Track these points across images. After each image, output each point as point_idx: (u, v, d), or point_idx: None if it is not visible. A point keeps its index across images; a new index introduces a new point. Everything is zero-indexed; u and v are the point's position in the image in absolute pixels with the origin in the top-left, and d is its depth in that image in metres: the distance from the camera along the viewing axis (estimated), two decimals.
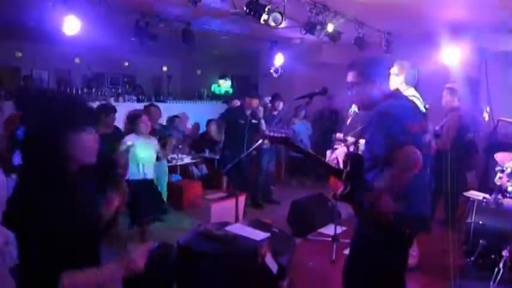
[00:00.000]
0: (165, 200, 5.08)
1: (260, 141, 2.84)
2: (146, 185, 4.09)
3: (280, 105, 6.12)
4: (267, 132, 2.27)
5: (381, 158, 1.98)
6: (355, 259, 2.21)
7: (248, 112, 5.49)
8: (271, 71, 7.48)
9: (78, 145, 1.37)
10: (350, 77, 2.20)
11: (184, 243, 2.55)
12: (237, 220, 3.20)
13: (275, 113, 6.14)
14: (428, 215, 2.18)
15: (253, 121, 5.53)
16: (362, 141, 4.20)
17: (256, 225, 3.50)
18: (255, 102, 5.52)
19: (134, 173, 4.03)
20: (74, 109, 1.41)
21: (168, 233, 4.59)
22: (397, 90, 2.26)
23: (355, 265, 2.19)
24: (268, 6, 3.99)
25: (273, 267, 2.60)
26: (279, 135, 2.23)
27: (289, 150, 2.18)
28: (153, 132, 4.90)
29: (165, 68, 10.77)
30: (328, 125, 7.42)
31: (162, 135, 5.20)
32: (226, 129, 5.73)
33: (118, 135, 4.42)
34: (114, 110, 4.53)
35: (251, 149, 3.14)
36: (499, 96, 6.22)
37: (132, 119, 4.10)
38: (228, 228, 2.74)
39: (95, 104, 4.84)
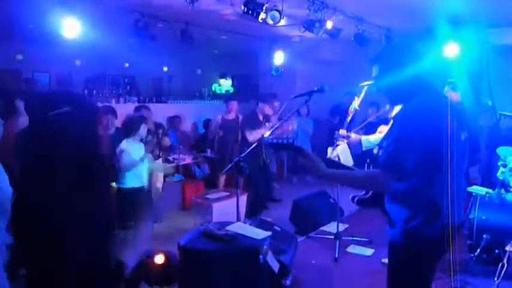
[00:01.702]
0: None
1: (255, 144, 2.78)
2: (142, 192, 3.99)
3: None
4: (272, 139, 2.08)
5: (407, 170, 1.77)
6: (391, 270, 2.05)
7: (261, 118, 5.37)
8: (272, 71, 7.48)
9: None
10: (375, 71, 2.00)
11: (185, 243, 2.55)
12: (238, 219, 3.19)
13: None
14: (462, 222, 2.02)
15: (267, 125, 5.47)
16: (365, 137, 4.19)
17: (258, 224, 3.50)
18: (267, 108, 5.37)
19: (131, 180, 3.90)
20: (89, 108, 1.47)
21: (169, 233, 4.61)
22: (427, 82, 1.97)
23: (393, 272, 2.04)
24: (266, 5, 3.98)
25: (275, 266, 2.60)
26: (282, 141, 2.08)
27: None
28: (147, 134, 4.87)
29: (165, 68, 10.77)
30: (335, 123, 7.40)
31: (155, 135, 5.19)
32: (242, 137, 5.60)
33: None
34: (107, 110, 4.43)
35: (247, 151, 3.11)
36: (501, 90, 6.19)
37: (135, 124, 3.94)
38: (229, 227, 2.74)
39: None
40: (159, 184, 5.22)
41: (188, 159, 6.60)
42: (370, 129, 4.40)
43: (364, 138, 4.13)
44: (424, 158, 1.76)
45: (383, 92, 2.00)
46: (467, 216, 3.82)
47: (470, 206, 3.86)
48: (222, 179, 6.22)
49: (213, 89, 10.79)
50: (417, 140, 1.75)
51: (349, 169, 2.70)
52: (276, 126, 3.19)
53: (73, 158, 1.29)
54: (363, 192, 2.23)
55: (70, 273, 1.27)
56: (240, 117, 6.06)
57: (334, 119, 7.43)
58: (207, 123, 7.89)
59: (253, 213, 5.05)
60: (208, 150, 7.13)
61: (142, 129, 3.96)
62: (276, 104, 5.72)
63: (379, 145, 2.25)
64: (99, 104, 5.14)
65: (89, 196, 1.29)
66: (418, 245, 1.86)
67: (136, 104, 6.73)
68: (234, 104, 6.15)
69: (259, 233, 2.69)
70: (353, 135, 3.92)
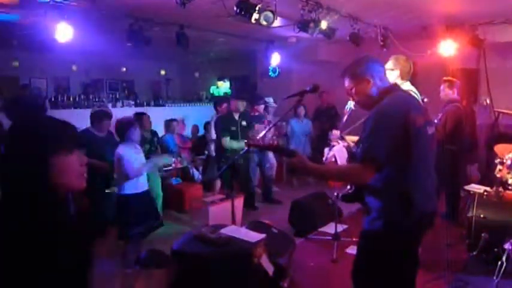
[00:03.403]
0: (160, 205, 5.05)
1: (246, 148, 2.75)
2: (142, 198, 3.87)
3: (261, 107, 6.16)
4: (253, 141, 2.21)
5: (382, 160, 1.93)
6: (363, 258, 2.17)
7: (237, 116, 5.30)
8: (270, 72, 7.48)
9: (62, 170, 1.26)
10: (346, 83, 2.20)
11: (178, 247, 2.52)
12: (233, 222, 3.16)
13: (256, 113, 6.16)
14: (434, 212, 2.15)
15: (243, 123, 5.39)
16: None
17: (255, 226, 3.47)
18: (241, 104, 5.30)
19: (130, 186, 3.78)
20: (55, 132, 1.30)
21: (167, 236, 4.58)
22: (395, 84, 2.25)
23: (364, 264, 2.15)
24: (259, 5, 3.96)
25: (269, 268, 2.57)
26: (265, 143, 2.20)
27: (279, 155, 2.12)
28: (143, 141, 4.82)
29: (163, 72, 10.77)
30: (327, 123, 7.42)
31: (151, 142, 5.17)
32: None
33: (111, 140, 4.38)
34: (107, 116, 4.47)
35: (238, 156, 3.08)
36: (499, 87, 6.16)
37: (125, 127, 3.83)
38: (222, 230, 2.71)
39: (92, 110, 4.85)
40: (157, 188, 5.18)
41: (186, 163, 6.59)
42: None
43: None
44: (394, 150, 1.92)
45: (358, 99, 2.19)
46: (466, 215, 3.80)
47: (468, 204, 3.83)
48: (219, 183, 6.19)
49: (211, 91, 10.79)
50: (386, 133, 1.93)
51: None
52: (264, 132, 3.12)
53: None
54: (347, 188, 2.30)
55: None
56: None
57: (328, 118, 7.46)
58: (207, 126, 7.88)
59: (250, 206, 5.03)
60: (207, 153, 7.11)
61: (134, 133, 3.84)
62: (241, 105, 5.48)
63: (357, 144, 2.32)
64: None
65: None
66: (389, 233, 1.99)
67: (134, 110, 6.70)
68: (225, 107, 6.16)
69: (254, 236, 2.67)
70: (347, 138, 3.90)
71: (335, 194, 2.41)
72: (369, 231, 2.08)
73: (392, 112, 1.98)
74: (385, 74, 2.19)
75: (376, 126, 1.97)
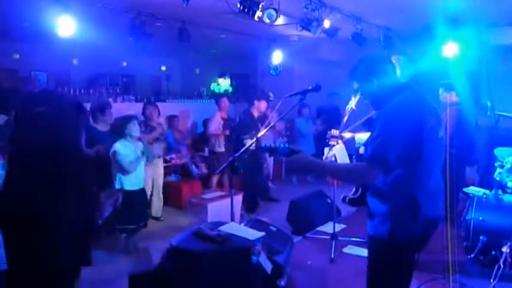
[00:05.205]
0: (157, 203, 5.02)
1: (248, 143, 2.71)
2: (137, 195, 3.90)
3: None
4: (266, 144, 2.13)
5: (391, 163, 1.85)
6: (371, 263, 2.12)
7: (256, 116, 5.17)
8: (271, 70, 7.46)
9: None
10: (354, 85, 2.15)
11: (177, 243, 2.53)
12: (232, 219, 3.16)
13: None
14: (438, 218, 2.07)
15: (259, 126, 5.25)
16: (359, 136, 4.15)
17: (254, 224, 3.47)
18: (264, 104, 5.17)
19: (129, 182, 3.83)
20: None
21: (166, 232, 4.58)
22: (408, 83, 2.11)
23: (372, 269, 2.11)
24: (262, 3, 3.96)
25: (267, 266, 2.58)
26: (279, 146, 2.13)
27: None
28: (150, 130, 4.88)
29: (163, 68, 10.75)
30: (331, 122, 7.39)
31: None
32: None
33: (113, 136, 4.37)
34: (108, 105, 4.39)
35: (242, 150, 3.06)
36: (501, 90, 6.15)
37: (120, 123, 3.85)
38: (221, 227, 2.71)
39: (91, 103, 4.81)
40: (160, 180, 5.20)
41: (185, 159, 6.59)
42: (370, 126, 4.36)
43: (357, 135, 4.09)
44: (405, 152, 1.84)
45: (367, 99, 2.14)
46: (464, 217, 3.80)
47: (467, 207, 3.83)
48: (215, 179, 6.19)
49: (212, 88, 10.75)
50: (398, 134, 1.84)
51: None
52: (269, 126, 3.12)
53: (44, 155, 1.28)
54: (353, 191, 2.26)
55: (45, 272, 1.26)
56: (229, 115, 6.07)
57: (318, 120, 7.42)
58: (206, 122, 7.86)
59: (250, 209, 5.00)
60: (206, 150, 7.10)
61: (133, 127, 3.87)
62: (263, 106, 5.45)
63: (364, 144, 2.25)
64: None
65: (60, 194, 1.26)
66: (396, 238, 1.93)
67: (134, 105, 6.72)
68: (225, 102, 6.15)
69: (252, 234, 2.67)
70: (346, 135, 3.88)
71: (341, 196, 2.35)
72: (373, 237, 2.02)
73: (406, 113, 1.89)
74: (395, 71, 2.08)
75: (388, 126, 1.87)
